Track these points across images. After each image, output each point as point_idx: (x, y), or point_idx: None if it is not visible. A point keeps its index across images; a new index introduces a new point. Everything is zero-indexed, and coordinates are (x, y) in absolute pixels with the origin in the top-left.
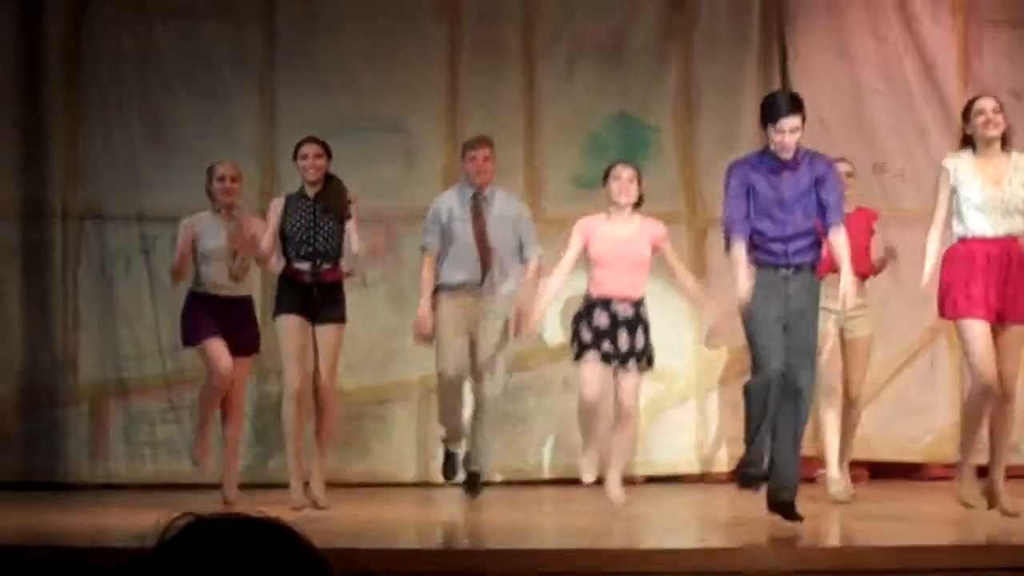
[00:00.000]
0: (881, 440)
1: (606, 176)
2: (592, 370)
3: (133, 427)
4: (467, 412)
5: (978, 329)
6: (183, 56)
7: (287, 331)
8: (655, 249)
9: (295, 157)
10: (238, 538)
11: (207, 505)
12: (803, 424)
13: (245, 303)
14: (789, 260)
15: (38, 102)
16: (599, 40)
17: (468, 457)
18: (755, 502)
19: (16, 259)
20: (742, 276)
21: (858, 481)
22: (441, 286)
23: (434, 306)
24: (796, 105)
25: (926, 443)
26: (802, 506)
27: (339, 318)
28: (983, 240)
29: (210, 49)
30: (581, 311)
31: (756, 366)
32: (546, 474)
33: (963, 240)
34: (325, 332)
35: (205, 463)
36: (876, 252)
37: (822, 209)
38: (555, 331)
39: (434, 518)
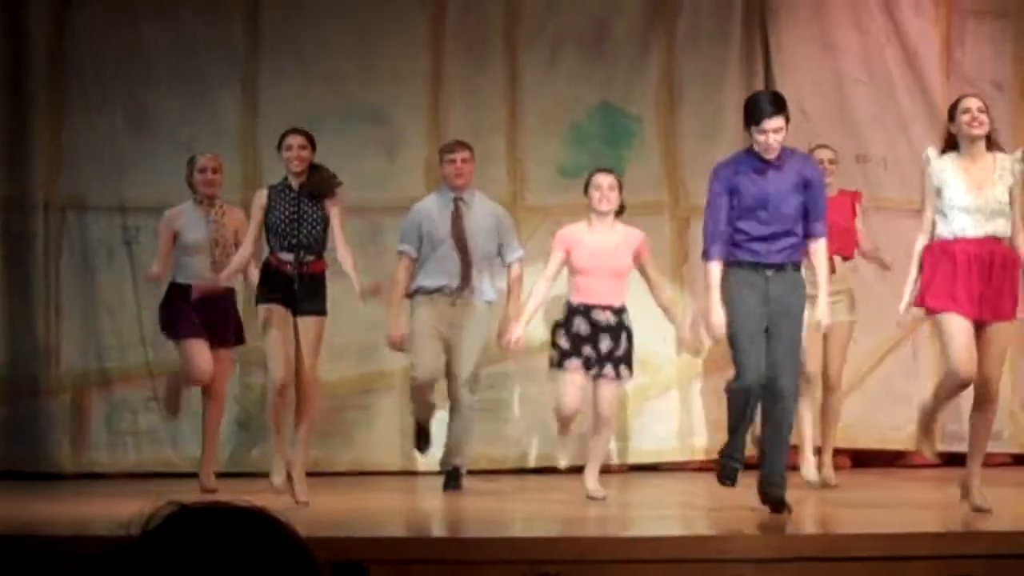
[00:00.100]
0: (864, 428)
1: (587, 184)
2: (572, 380)
3: (115, 417)
4: (440, 407)
5: (957, 324)
6: (167, 46)
7: (269, 321)
8: (636, 257)
9: (279, 148)
10: (222, 527)
11: (190, 493)
12: (788, 422)
13: (227, 295)
14: (772, 259)
15: (21, 92)
16: (582, 30)
17: (445, 454)
18: (738, 490)
19: None
20: (715, 305)
21: (840, 469)
22: (418, 290)
23: (411, 310)
24: (779, 106)
25: (908, 432)
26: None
27: (320, 310)
28: (966, 241)
29: (194, 39)
30: (561, 319)
31: (736, 371)
32: (530, 463)
33: (946, 240)
34: (306, 324)
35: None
36: (866, 238)
37: (805, 212)
38: (539, 323)
39: (418, 507)
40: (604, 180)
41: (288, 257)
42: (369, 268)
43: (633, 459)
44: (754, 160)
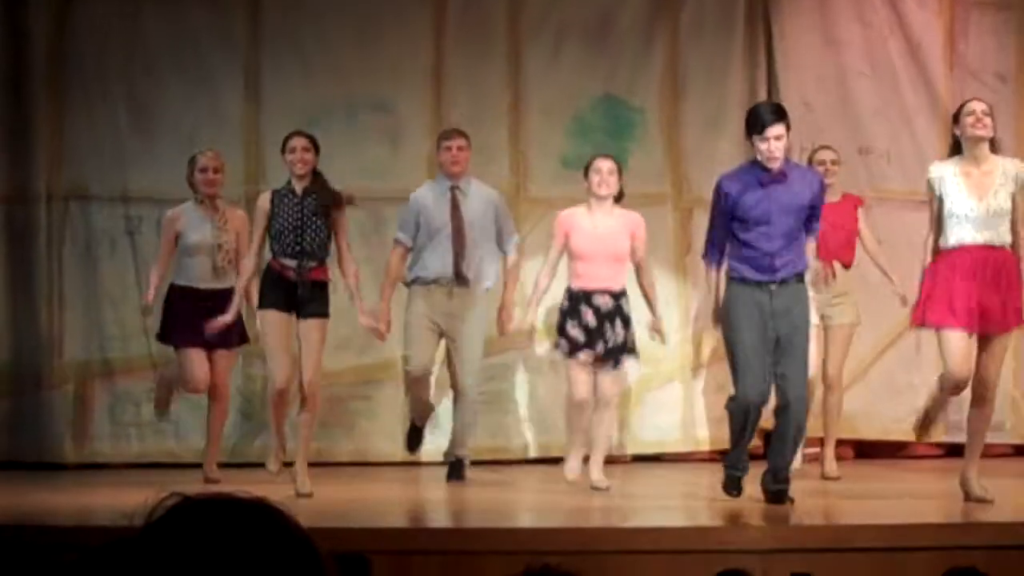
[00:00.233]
0: (866, 420)
1: (587, 169)
2: (583, 370)
3: (118, 407)
4: (435, 399)
5: (956, 339)
6: (169, 39)
7: (271, 326)
8: (632, 238)
9: (283, 151)
10: (225, 518)
11: (192, 484)
12: (798, 428)
13: (229, 296)
14: (776, 274)
15: (23, 83)
16: (585, 22)
17: (450, 445)
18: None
19: (0, 240)
20: (716, 296)
21: (843, 460)
22: (415, 279)
23: (408, 301)
24: (780, 114)
25: (911, 423)
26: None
27: (323, 313)
28: (968, 248)
29: (196, 32)
30: (565, 306)
31: (735, 388)
32: (532, 454)
33: (948, 249)
34: (309, 327)
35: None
36: (872, 238)
37: (807, 221)
38: (541, 313)
39: (420, 497)
40: (604, 165)
41: (291, 263)
42: (372, 258)
43: (636, 450)
44: (759, 172)
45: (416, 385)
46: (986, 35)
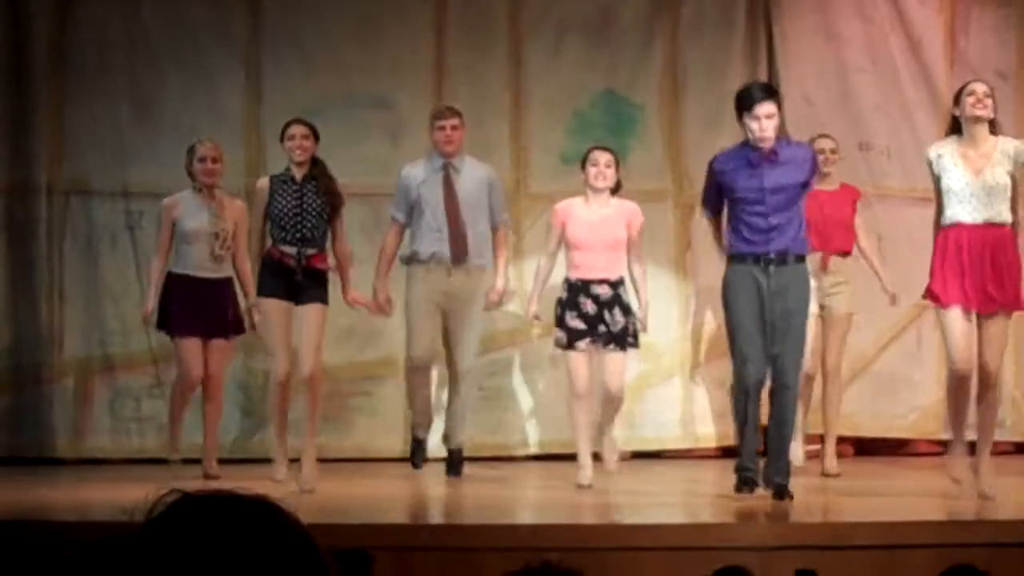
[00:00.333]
0: (867, 416)
1: (584, 161)
2: (583, 362)
3: (119, 403)
4: (436, 392)
5: (954, 318)
6: (170, 34)
7: (271, 315)
8: (628, 227)
9: (282, 139)
10: (224, 515)
11: (192, 480)
12: (792, 413)
13: (226, 285)
14: (772, 251)
15: (24, 77)
16: (586, 18)
17: (446, 436)
18: None
19: (1, 235)
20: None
21: (843, 457)
22: (412, 257)
23: (406, 282)
24: (769, 92)
25: (912, 420)
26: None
27: (322, 299)
28: (966, 227)
29: (196, 27)
30: (564, 297)
31: (735, 370)
32: (531, 450)
33: (947, 227)
34: (308, 313)
35: (176, 456)
36: (867, 233)
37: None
38: (541, 308)
39: (421, 493)
40: (601, 157)
41: (290, 250)
42: (373, 255)
43: (636, 446)
44: (750, 152)
45: (416, 376)
46: (987, 32)
